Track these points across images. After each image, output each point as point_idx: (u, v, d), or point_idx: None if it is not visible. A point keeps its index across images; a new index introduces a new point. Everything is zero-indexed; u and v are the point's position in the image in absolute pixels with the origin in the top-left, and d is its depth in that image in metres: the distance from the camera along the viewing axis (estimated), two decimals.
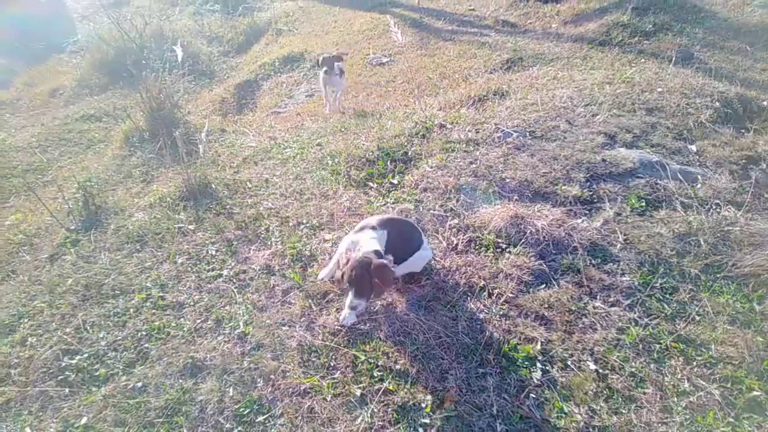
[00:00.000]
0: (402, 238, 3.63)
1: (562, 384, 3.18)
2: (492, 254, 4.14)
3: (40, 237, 5.38)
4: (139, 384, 3.35)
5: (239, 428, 3.06)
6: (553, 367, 3.28)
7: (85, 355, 3.61)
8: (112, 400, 3.28)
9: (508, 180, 4.88)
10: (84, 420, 3.20)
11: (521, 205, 4.56)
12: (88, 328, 3.82)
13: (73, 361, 3.57)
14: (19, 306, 4.17)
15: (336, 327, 3.58)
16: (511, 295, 3.76)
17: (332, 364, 3.38)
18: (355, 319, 3.54)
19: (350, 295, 3.43)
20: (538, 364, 3.28)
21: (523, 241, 4.17)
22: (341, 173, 5.40)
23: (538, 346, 3.39)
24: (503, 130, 5.60)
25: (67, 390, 3.40)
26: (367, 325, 3.59)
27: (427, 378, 3.23)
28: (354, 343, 3.48)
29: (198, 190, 5.31)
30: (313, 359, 3.42)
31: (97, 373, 3.48)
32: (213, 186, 5.44)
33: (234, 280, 4.11)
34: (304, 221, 4.72)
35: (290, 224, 4.69)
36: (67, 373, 3.51)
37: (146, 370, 3.45)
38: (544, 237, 4.21)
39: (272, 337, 3.56)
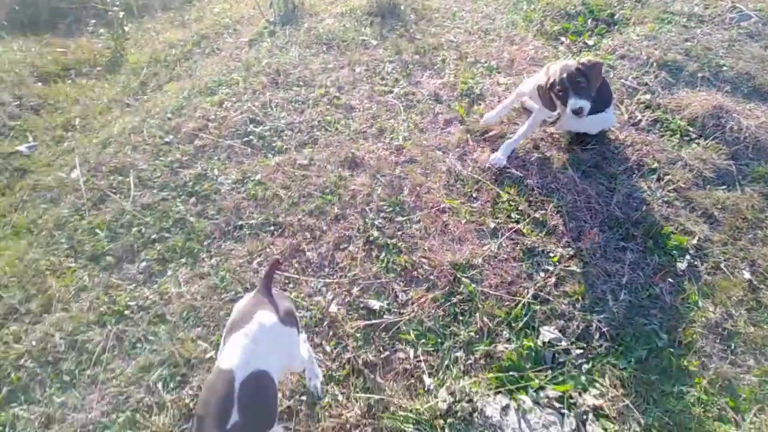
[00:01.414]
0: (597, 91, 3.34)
1: (706, 282, 2.99)
2: (677, 140, 3.76)
3: (243, 24, 5.91)
4: (306, 162, 3.77)
5: (380, 220, 3.36)
6: (702, 264, 3.07)
7: (267, 128, 4.09)
8: (282, 167, 3.75)
9: (725, 68, 4.22)
10: (258, 176, 3.72)
11: (731, 98, 3.97)
12: (273, 106, 4.28)
13: (257, 130, 4.08)
14: (220, 75, 4.74)
15: (487, 165, 3.61)
16: (683, 185, 3.46)
17: (474, 196, 3.49)
18: (504, 162, 3.53)
19: (571, 98, 3.15)
20: (688, 257, 3.09)
21: (718, 136, 3.70)
22: (534, 21, 5.05)
23: (695, 241, 3.17)
24: (741, 12, 4.71)
25: (249, 150, 3.94)
26: (519, 171, 3.57)
27: (563, 234, 3.21)
28: (500, 184, 3.51)
29: (387, 9, 5.35)
30: (458, 186, 3.54)
31: (274, 144, 3.96)
32: (401, 8, 5.42)
33: (402, 99, 4.25)
34: (482, 61, 4.59)
35: (467, 60, 4.60)
36: (251, 137, 4.04)
37: (313, 152, 3.84)
38: (745, 138, 3.69)
39: (425, 157, 3.71)
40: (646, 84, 4.17)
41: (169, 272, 3.42)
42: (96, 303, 3.35)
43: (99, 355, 3.11)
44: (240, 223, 3.53)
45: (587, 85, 3.07)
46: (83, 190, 4.08)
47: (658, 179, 3.48)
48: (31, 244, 3.92)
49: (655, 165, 3.55)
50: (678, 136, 3.76)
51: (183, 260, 3.46)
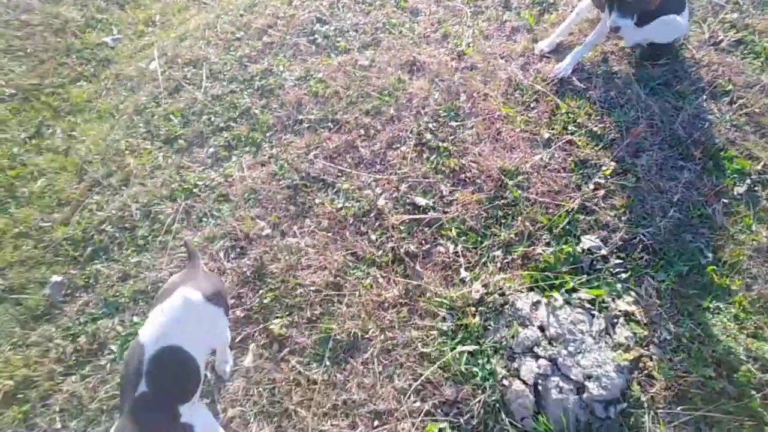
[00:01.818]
0: None
1: (763, 207, 2.90)
2: (759, 64, 3.51)
3: None
4: (367, 63, 3.82)
5: (433, 124, 3.42)
6: (764, 191, 2.96)
7: (332, 28, 4.14)
8: (344, 67, 3.83)
9: None
10: (320, 74, 3.83)
11: None
12: (340, 7, 4.30)
13: (323, 29, 4.14)
14: None
15: (550, 76, 3.53)
16: (757, 110, 3.27)
17: (532, 105, 3.45)
18: (569, 73, 3.43)
19: (613, 14, 2.96)
20: (748, 180, 2.98)
21: None
22: None
23: (759, 166, 3.03)
24: None
25: (313, 48, 4.03)
26: (582, 83, 3.48)
27: (619, 149, 3.16)
28: (561, 96, 3.45)
29: None
30: (516, 95, 3.51)
31: (338, 44, 4.02)
32: None
33: (470, 5, 4.15)
34: None
35: None
36: (316, 36, 4.12)
37: (375, 54, 3.88)
38: None
39: (487, 64, 3.67)
40: (736, 2, 3.85)
41: (234, 158, 3.66)
42: (168, 180, 3.65)
43: (169, 225, 3.44)
44: (300, 117, 3.68)
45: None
46: (160, 80, 4.33)
47: (731, 102, 3.31)
48: (112, 127, 4.26)
49: (730, 87, 3.36)
50: (762, 59, 3.51)
51: (246, 148, 3.68)
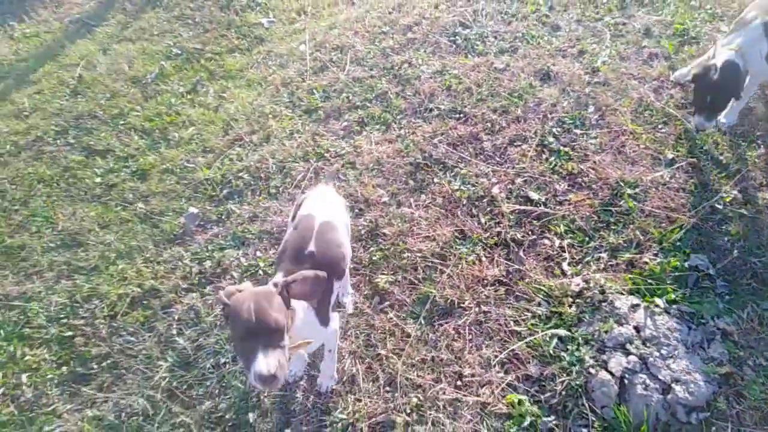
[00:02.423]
0: None
1: None
2: None
3: None
4: (502, 66, 4.09)
5: (558, 129, 3.59)
6: None
7: (474, 32, 4.46)
8: (479, 67, 4.13)
9: None
10: (456, 71, 4.14)
11: None
12: (483, 14, 4.61)
13: (464, 32, 4.47)
14: None
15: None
16: None
17: (660, 126, 3.52)
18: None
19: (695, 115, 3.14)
20: None
21: None
22: None
23: None
24: None
25: (453, 48, 4.38)
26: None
27: (743, 180, 3.16)
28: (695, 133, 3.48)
29: None
30: (645, 115, 3.60)
31: (476, 47, 4.33)
32: None
33: (611, 28, 4.28)
34: (707, 6, 4.39)
35: (690, 3, 4.43)
36: (457, 38, 4.46)
37: (511, 60, 4.14)
38: None
39: (620, 82, 3.79)
40: None
41: (364, 133, 4.03)
42: (304, 144, 4.09)
43: (300, 180, 3.84)
44: (431, 106, 3.99)
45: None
46: (308, 60, 4.84)
47: None
48: (259, 94, 4.81)
49: None
50: None
51: (377, 126, 4.04)
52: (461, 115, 3.88)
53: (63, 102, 5.22)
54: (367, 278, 3.17)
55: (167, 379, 2.97)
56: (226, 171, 4.13)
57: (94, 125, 4.89)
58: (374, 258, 3.24)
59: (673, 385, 2.43)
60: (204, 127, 4.61)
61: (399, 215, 3.40)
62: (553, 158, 3.46)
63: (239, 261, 3.48)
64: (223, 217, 3.81)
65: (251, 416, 2.76)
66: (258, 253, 3.49)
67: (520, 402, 2.56)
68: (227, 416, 2.79)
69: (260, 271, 3.36)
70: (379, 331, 2.96)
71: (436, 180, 3.55)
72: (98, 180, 4.33)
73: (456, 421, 2.54)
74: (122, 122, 4.88)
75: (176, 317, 3.28)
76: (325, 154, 3.95)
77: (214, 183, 4.06)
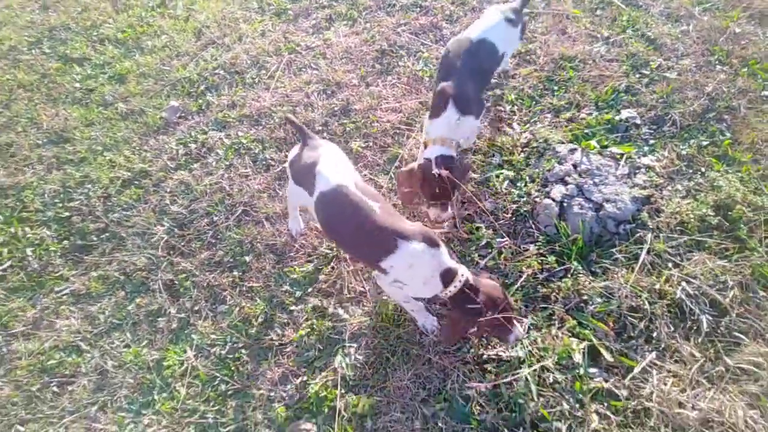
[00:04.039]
0: None
1: None
2: None
3: None
4: None
5: None
6: None
7: None
8: None
9: None
10: None
11: None
12: None
13: None
14: None
15: None
16: None
17: (597, 11, 3.93)
18: None
19: None
20: None
21: None
22: None
23: None
24: None
25: None
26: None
27: (668, 51, 3.63)
28: (626, 4, 3.91)
29: None
30: (585, 2, 4.00)
31: None
32: None
33: None
34: None
35: None
36: None
37: None
38: None
39: None
40: None
41: (333, 29, 4.33)
42: (275, 41, 4.36)
43: (274, 71, 4.14)
44: (393, 1, 4.30)
45: None
46: None
47: None
48: (228, 3, 5.02)
49: None
50: None
51: (344, 22, 4.36)
52: (421, 8, 4.21)
53: (33, 16, 5.30)
54: (342, 145, 3.53)
55: (165, 239, 3.31)
56: (201, 70, 4.37)
57: (68, 36, 5.02)
58: (347, 129, 3.60)
59: (604, 204, 2.92)
60: (176, 35, 4.81)
61: (368, 93, 3.76)
62: None
63: (222, 140, 3.78)
64: (203, 107, 4.08)
65: (248, 258, 3.14)
66: (239, 133, 3.79)
67: (477, 228, 3.01)
68: (225, 260, 3.17)
69: (242, 149, 3.68)
70: None
71: (401, 63, 3.91)
72: (77, 85, 4.51)
73: None
74: (95, 33, 5.02)
75: (168, 190, 3.58)
76: (297, 48, 4.24)
77: (191, 81, 4.31)
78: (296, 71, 4.08)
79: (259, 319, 2.91)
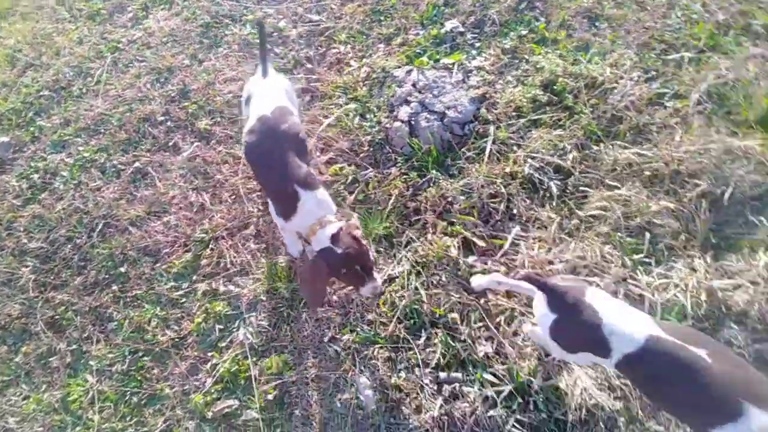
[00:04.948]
0: None
1: None
2: None
3: None
4: None
5: None
6: None
7: None
8: None
9: None
10: None
11: None
12: None
13: None
14: None
15: None
16: None
17: None
18: None
19: None
20: None
21: None
22: None
23: None
24: None
25: None
26: None
27: None
28: None
29: None
30: None
31: None
32: None
33: None
34: None
35: None
36: None
37: None
38: None
39: None
40: None
41: (151, 16, 4.14)
42: (95, 44, 4.12)
43: (99, 75, 3.92)
44: None
45: None
46: None
47: None
48: (37, 21, 4.65)
49: None
50: None
51: (161, 6, 4.17)
52: None
53: None
54: (189, 128, 3.43)
55: (33, 279, 3.10)
56: (24, 96, 4.06)
57: None
58: (190, 110, 3.50)
59: (446, 112, 3.06)
60: None
61: (203, 70, 3.66)
62: None
63: (65, 161, 3.56)
64: (36, 134, 3.81)
65: (123, 268, 3.02)
66: (80, 148, 3.58)
67: (341, 168, 3.07)
68: (100, 278, 3.03)
69: (87, 163, 3.48)
70: (215, 163, 3.28)
71: (227, 32, 3.82)
72: None
73: None
74: None
75: (22, 229, 3.34)
76: (119, 45, 4.03)
77: (16, 111, 3.99)
78: (123, 69, 3.88)
79: (152, 323, 2.83)
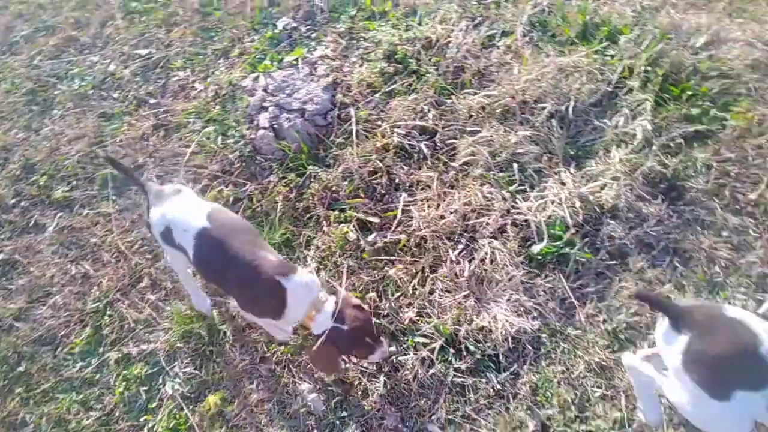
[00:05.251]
0: None
1: None
2: None
3: None
4: None
5: None
6: None
7: None
8: None
9: None
10: None
11: None
12: None
13: None
14: None
15: None
16: None
17: None
18: None
19: None
20: None
21: None
22: None
23: None
24: None
25: None
26: None
27: None
28: None
29: None
30: None
31: None
32: None
33: None
34: None
35: None
36: None
37: None
38: None
39: None
40: None
41: None
42: None
43: None
44: (11, 36, 3.86)
45: None
46: None
47: None
48: None
49: None
50: None
51: None
52: (47, 29, 3.86)
53: None
54: (46, 202, 3.19)
55: None
56: None
57: None
58: (41, 183, 3.24)
59: (305, 107, 3.09)
60: None
61: (42, 139, 3.41)
62: (143, 19, 3.71)
63: None
64: None
65: (21, 368, 2.76)
66: None
67: (219, 192, 3.00)
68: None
69: None
70: (84, 228, 3.07)
71: (56, 92, 3.62)
72: None
73: None
74: None
75: None
76: None
77: None
78: None
79: (72, 411, 2.63)
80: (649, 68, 2.89)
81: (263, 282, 2.02)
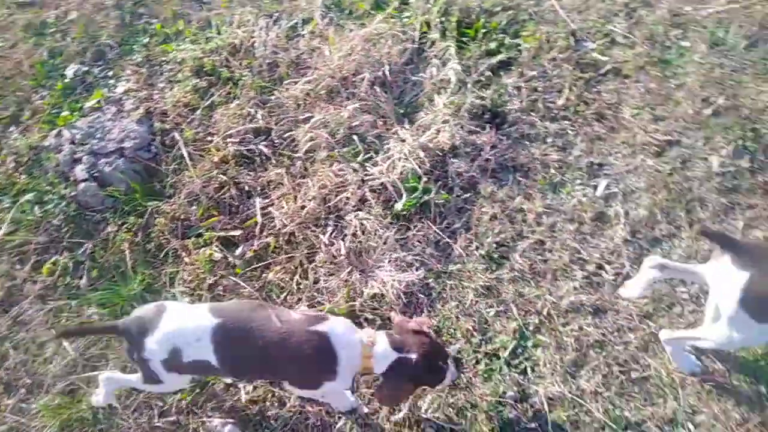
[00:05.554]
0: None
1: None
2: None
3: None
4: None
5: None
6: None
7: None
8: None
9: None
10: None
11: None
12: None
13: None
14: None
15: None
16: None
17: None
18: None
19: None
20: None
21: None
22: None
23: None
24: None
25: None
26: None
27: None
28: None
29: None
30: None
31: None
32: None
33: None
34: None
35: None
36: None
37: None
38: None
39: None
40: None
41: None
42: None
43: None
44: None
45: None
46: None
47: None
48: None
49: None
50: None
51: None
52: None
53: None
54: None
55: None
56: None
57: None
58: None
59: (123, 145, 2.86)
60: None
61: None
62: None
63: None
64: None
65: None
66: None
67: (54, 263, 2.66)
68: None
69: None
70: None
71: None
72: None
73: None
74: None
75: None
76: None
77: None
78: None
79: None
80: (443, 19, 3.10)
81: (304, 342, 1.78)
